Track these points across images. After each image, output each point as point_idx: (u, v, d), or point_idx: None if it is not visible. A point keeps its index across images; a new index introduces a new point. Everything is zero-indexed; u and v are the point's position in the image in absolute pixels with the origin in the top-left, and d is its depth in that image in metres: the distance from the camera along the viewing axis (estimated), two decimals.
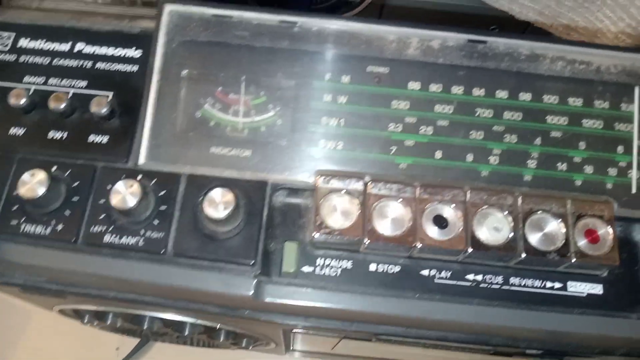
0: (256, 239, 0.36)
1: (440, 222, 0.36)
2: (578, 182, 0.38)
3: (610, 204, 0.37)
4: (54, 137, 0.38)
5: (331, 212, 0.36)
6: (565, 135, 0.39)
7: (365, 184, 0.37)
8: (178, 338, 0.56)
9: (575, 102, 0.39)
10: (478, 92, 0.39)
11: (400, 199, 0.36)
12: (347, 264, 0.37)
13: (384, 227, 0.36)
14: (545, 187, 0.38)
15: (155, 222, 0.36)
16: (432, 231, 0.36)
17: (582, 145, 0.39)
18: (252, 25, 0.39)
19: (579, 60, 0.39)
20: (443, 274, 0.37)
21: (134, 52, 0.40)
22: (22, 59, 0.41)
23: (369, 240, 0.36)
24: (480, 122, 0.39)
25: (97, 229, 0.36)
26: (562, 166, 0.38)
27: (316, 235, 0.35)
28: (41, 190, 0.35)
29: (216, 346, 0.60)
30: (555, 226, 0.36)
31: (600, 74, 0.39)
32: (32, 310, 0.74)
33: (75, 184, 0.37)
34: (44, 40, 0.41)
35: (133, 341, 0.73)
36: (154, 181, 0.37)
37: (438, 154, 0.38)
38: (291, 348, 0.60)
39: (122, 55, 0.40)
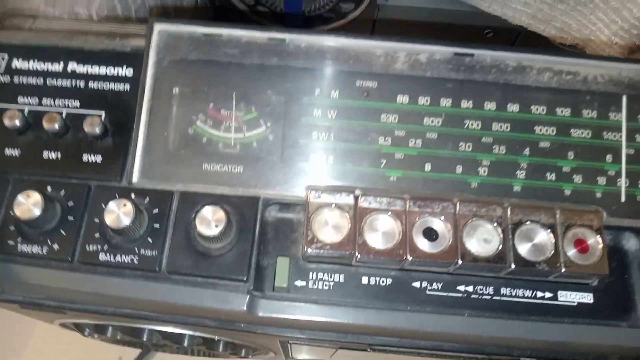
0: (249, 254, 0.37)
1: (430, 234, 0.37)
2: (567, 192, 0.39)
3: (599, 213, 0.38)
4: (49, 157, 0.39)
5: (322, 226, 0.37)
6: (553, 145, 0.39)
7: (356, 198, 0.37)
8: (178, 349, 0.57)
9: (564, 112, 0.39)
10: (466, 104, 0.39)
11: (390, 212, 0.37)
12: (340, 278, 0.38)
13: (375, 240, 0.36)
14: (535, 197, 0.38)
15: (149, 240, 0.37)
16: (423, 244, 0.36)
17: (571, 154, 0.39)
18: (242, 43, 0.39)
19: (565, 70, 0.39)
20: (434, 285, 0.38)
21: (126, 71, 0.41)
22: (16, 79, 0.41)
23: (360, 254, 0.36)
24: (469, 133, 0.39)
25: (92, 247, 0.37)
26: (552, 176, 0.39)
27: (308, 250, 0.36)
28: (37, 212, 0.36)
29: (216, 356, 0.60)
30: (544, 236, 0.37)
31: (588, 84, 0.39)
32: (36, 320, 0.74)
33: (70, 203, 0.38)
34: (37, 60, 0.41)
35: (135, 351, 0.73)
36: (147, 199, 0.38)
37: (428, 166, 0.39)
38: (290, 357, 0.61)
39: (114, 74, 0.41)
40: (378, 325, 0.37)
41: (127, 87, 0.40)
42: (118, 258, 0.37)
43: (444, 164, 0.39)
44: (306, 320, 0.36)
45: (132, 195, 0.38)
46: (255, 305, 0.36)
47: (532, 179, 0.39)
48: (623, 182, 0.39)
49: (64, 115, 0.40)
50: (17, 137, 0.39)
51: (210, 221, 0.35)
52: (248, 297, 0.36)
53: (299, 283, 0.37)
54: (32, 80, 0.41)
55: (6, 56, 0.42)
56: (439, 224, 0.37)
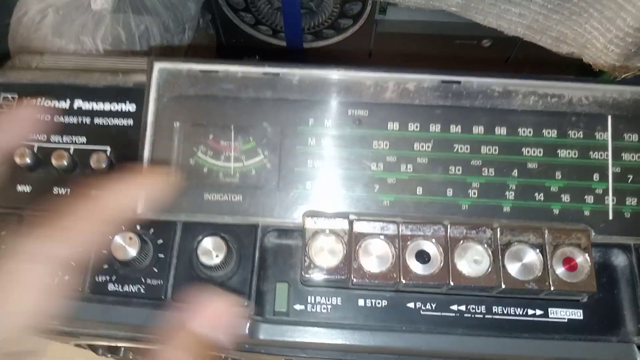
0: (249, 281, 0.39)
1: (423, 257, 0.38)
2: (556, 211, 0.40)
3: (586, 231, 0.39)
4: (59, 193, 0.41)
5: (319, 252, 0.38)
6: (541, 166, 0.40)
7: (350, 223, 0.39)
8: None
9: (550, 133, 0.41)
10: (455, 129, 0.41)
11: (383, 237, 0.38)
12: (337, 300, 0.39)
13: (370, 264, 0.38)
14: (524, 217, 0.40)
15: (155, 269, 0.39)
16: (415, 266, 0.38)
17: (558, 174, 0.40)
18: (237, 78, 0.41)
19: (550, 94, 0.41)
20: (428, 305, 0.39)
21: (129, 106, 0.43)
22: None
23: (355, 278, 0.38)
24: (458, 157, 0.40)
25: (101, 278, 0.39)
26: (540, 196, 0.40)
27: (305, 275, 0.38)
28: None
29: None
30: (533, 256, 0.38)
31: (573, 105, 0.41)
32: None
33: None
34: (45, 98, 0.44)
35: None
36: (151, 230, 0.40)
37: (419, 190, 0.40)
38: None
39: (118, 109, 0.43)
40: (375, 345, 0.38)
41: (130, 122, 0.42)
42: (126, 288, 0.39)
43: (434, 188, 0.40)
44: (305, 342, 0.38)
45: (138, 227, 0.40)
46: (256, 329, 0.38)
47: (521, 199, 0.40)
48: (610, 199, 0.40)
49: (71, 151, 0.42)
50: (28, 173, 0.42)
51: (211, 251, 0.37)
52: (249, 322, 0.38)
53: (298, 307, 0.39)
54: (40, 118, 0.43)
55: (16, 95, 0.44)
56: (430, 247, 0.38)
